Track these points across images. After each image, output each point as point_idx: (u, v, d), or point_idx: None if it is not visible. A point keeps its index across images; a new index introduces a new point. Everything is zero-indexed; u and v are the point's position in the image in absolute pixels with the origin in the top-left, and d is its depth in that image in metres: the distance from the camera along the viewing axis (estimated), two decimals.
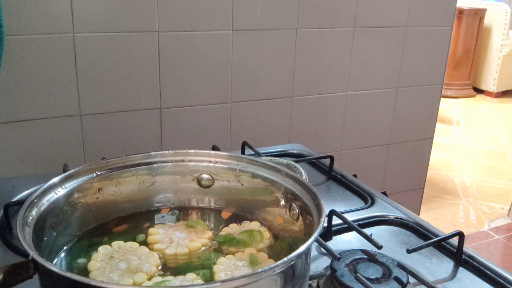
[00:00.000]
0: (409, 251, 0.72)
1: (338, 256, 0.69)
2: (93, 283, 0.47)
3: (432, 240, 0.76)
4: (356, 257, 0.69)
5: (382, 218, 0.87)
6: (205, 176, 0.74)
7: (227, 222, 0.71)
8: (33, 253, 0.48)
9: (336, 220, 0.81)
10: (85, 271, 0.59)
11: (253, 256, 0.62)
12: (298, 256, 0.51)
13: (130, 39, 1.24)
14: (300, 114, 1.53)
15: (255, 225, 0.70)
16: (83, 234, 0.67)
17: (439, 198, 2.73)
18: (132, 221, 0.71)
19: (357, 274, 0.64)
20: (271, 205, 0.70)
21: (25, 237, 0.51)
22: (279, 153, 1.17)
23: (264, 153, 1.08)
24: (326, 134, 1.61)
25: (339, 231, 0.82)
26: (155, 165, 0.73)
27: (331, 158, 1.05)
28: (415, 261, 0.74)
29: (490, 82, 4.84)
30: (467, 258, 0.75)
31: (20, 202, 0.71)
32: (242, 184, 0.73)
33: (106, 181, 0.69)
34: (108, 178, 0.69)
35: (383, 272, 0.66)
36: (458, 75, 4.81)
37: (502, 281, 0.69)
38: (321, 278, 0.67)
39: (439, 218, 2.51)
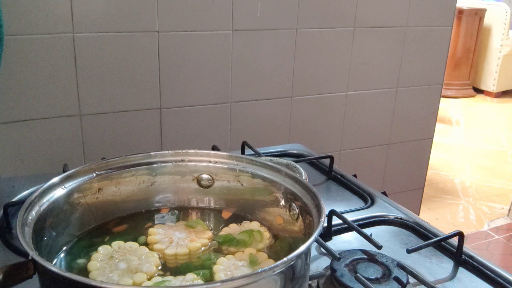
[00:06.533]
0: (409, 251, 0.72)
1: (338, 256, 0.69)
2: (93, 283, 0.47)
3: (432, 240, 0.76)
4: (356, 257, 0.69)
5: (382, 218, 0.87)
6: (205, 176, 0.74)
7: (227, 222, 0.71)
8: (33, 253, 0.48)
9: (336, 220, 0.81)
10: (85, 271, 0.59)
11: (253, 256, 0.62)
12: (298, 256, 0.51)
13: (130, 39, 1.24)
14: (300, 114, 1.53)
15: (255, 225, 0.70)
16: (83, 234, 0.67)
17: (439, 198, 2.73)
18: (132, 221, 0.71)
19: (357, 274, 0.64)
20: (271, 205, 0.70)
21: (25, 237, 0.51)
22: (279, 153, 1.17)
23: (264, 153, 1.08)
24: (326, 134, 1.61)
25: (339, 231, 0.82)
26: (155, 165, 0.73)
27: (331, 158, 1.05)
28: (415, 261, 0.74)
29: (490, 82, 4.84)
30: (467, 258, 0.75)
31: (20, 202, 0.71)
32: (242, 184, 0.73)
33: (106, 181, 0.69)
34: (108, 178, 0.69)
35: (383, 272, 0.66)
36: (458, 75, 4.81)
37: (502, 281, 0.69)
38: (321, 278, 0.67)
39: (439, 218, 2.51)
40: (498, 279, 0.70)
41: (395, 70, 1.65)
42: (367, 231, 0.77)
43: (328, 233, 0.80)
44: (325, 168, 1.08)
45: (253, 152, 1.07)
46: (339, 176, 1.04)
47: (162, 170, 0.73)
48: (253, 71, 1.42)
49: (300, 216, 0.65)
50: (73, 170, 0.66)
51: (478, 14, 4.69)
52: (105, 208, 0.70)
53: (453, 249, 0.77)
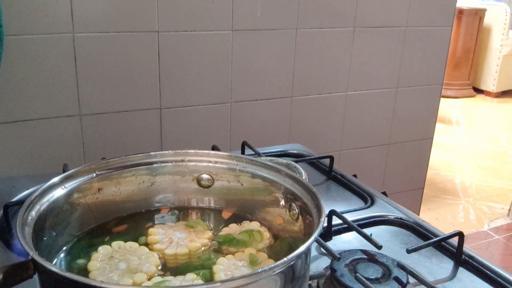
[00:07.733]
0: (409, 251, 0.72)
1: (338, 256, 0.69)
2: (93, 283, 0.47)
3: (432, 240, 0.76)
4: (356, 257, 0.69)
5: (382, 218, 0.88)
6: (205, 176, 0.74)
7: (227, 222, 0.71)
8: (33, 253, 0.48)
9: (336, 220, 0.81)
10: (84, 271, 0.59)
11: (253, 256, 0.62)
12: (298, 256, 0.51)
13: (130, 39, 1.24)
14: (300, 114, 1.53)
15: (255, 225, 0.70)
16: (83, 234, 0.67)
17: (439, 198, 2.73)
18: (132, 221, 0.71)
19: (357, 274, 0.64)
20: (271, 205, 0.70)
21: (25, 237, 0.51)
22: (279, 153, 1.17)
23: (264, 153, 1.08)
24: (326, 134, 1.61)
25: (339, 231, 0.82)
26: (155, 165, 0.73)
27: (331, 158, 1.05)
28: (415, 261, 0.74)
29: (490, 82, 4.84)
30: (467, 258, 0.75)
31: (20, 202, 0.71)
32: (242, 184, 0.73)
33: (106, 181, 0.69)
34: (108, 178, 0.69)
35: (383, 272, 0.66)
36: (458, 75, 4.81)
37: (502, 281, 0.69)
38: (321, 278, 0.67)
39: (439, 218, 2.51)
40: (498, 279, 0.70)
41: (395, 70, 1.65)
42: (367, 231, 0.77)
43: (328, 233, 0.80)
44: (325, 168, 1.08)
45: (253, 152, 1.07)
46: (339, 176, 1.04)
47: (162, 170, 0.73)
48: (253, 71, 1.42)
49: (300, 216, 0.65)
50: (73, 170, 0.66)
51: (478, 14, 4.69)
52: (105, 208, 0.70)
53: (453, 249, 0.77)
